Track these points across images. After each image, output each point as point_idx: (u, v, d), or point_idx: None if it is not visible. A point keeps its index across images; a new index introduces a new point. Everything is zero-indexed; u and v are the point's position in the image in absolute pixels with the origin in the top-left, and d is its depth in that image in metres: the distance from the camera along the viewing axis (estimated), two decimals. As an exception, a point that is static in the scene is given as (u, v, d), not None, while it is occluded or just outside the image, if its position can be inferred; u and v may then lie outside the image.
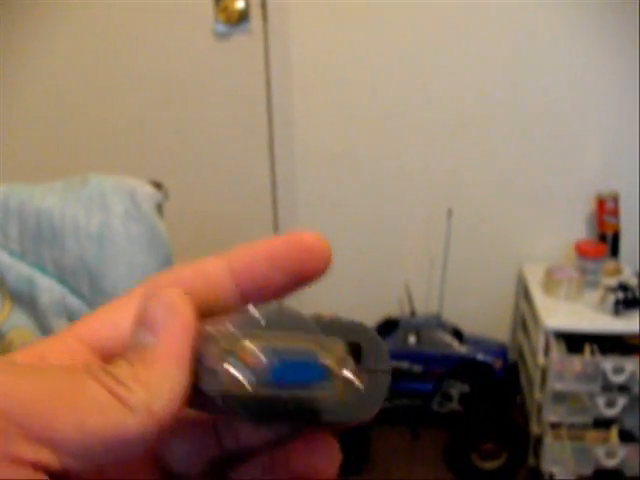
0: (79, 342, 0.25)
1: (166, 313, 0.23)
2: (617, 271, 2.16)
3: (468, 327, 2.27)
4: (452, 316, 2.29)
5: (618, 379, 1.93)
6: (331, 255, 0.26)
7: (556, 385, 1.97)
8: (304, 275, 0.27)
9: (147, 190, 1.04)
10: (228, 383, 0.23)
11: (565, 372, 1.95)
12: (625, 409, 1.97)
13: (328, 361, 0.24)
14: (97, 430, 0.21)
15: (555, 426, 2.03)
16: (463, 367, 2.16)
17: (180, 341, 0.23)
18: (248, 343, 0.24)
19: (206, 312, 0.26)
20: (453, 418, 2.20)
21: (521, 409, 2.26)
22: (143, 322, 0.24)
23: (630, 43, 2.08)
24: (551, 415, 2.01)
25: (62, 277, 0.89)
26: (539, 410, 2.05)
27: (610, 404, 1.96)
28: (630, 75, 2.13)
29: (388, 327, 2.22)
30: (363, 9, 2.20)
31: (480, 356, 2.16)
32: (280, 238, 0.27)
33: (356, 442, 2.15)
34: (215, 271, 0.27)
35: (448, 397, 2.21)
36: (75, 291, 0.89)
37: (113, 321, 0.26)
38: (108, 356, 0.25)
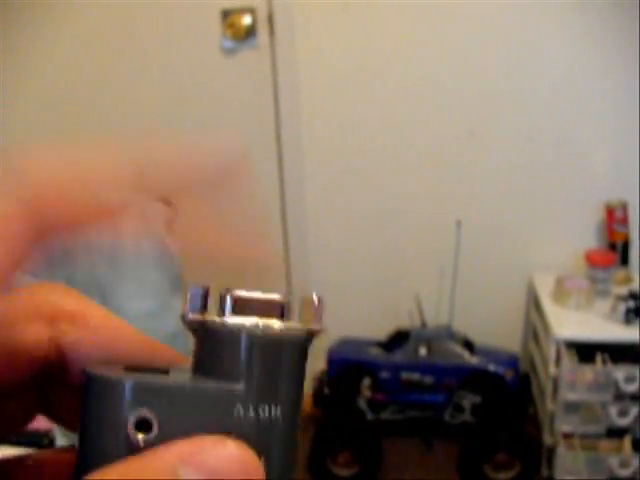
0: None
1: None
2: (627, 280, 2.16)
3: (479, 337, 2.27)
4: (463, 327, 2.29)
5: (630, 388, 1.92)
6: None
7: (568, 395, 1.96)
8: None
9: (156, 207, 1.05)
10: None
11: (577, 382, 1.95)
12: (638, 418, 1.96)
13: None
14: None
15: (568, 436, 2.02)
16: (474, 378, 2.16)
17: None
18: None
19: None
20: (465, 429, 2.20)
21: (533, 419, 2.26)
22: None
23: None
24: (564, 425, 2.01)
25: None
26: (551, 420, 2.05)
27: (622, 413, 1.95)
28: (639, 83, 2.13)
29: (399, 339, 2.22)
30: (371, 24, 2.21)
31: (491, 367, 2.15)
32: None
33: (368, 454, 2.15)
34: None
35: (460, 408, 2.21)
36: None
37: None
38: None
